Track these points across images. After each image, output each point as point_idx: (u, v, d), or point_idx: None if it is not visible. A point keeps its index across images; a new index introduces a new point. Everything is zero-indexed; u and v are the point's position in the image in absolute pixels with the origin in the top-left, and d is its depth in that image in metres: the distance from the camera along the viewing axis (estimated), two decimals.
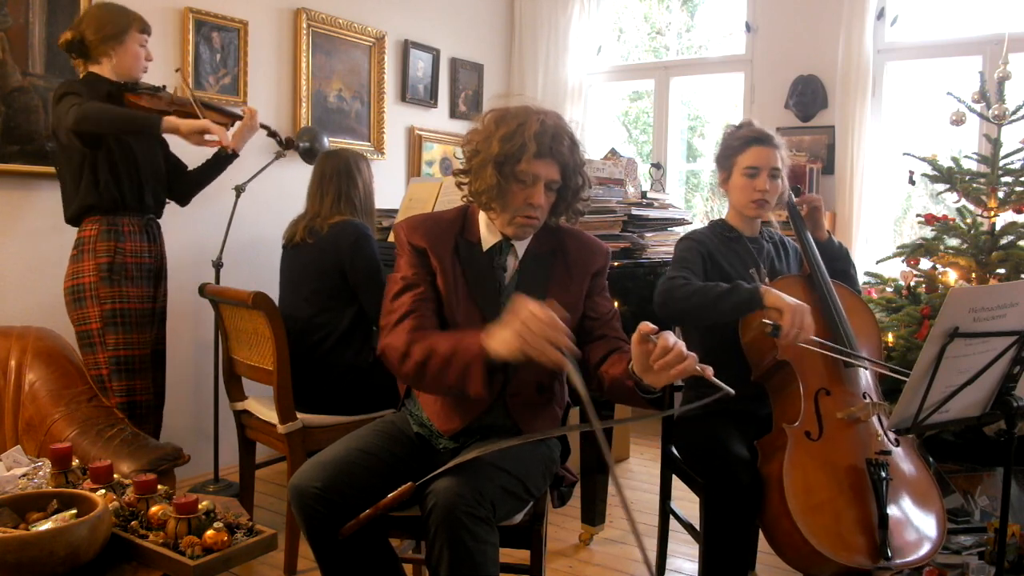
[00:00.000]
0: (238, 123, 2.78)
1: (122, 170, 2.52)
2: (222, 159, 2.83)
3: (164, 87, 2.69)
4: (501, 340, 1.48)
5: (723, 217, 2.30)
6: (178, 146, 2.70)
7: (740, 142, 2.20)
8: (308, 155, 3.42)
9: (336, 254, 2.61)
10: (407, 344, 1.63)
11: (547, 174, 1.70)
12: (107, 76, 2.52)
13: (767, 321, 1.89)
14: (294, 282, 2.73)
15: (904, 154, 2.97)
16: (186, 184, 2.84)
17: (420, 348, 1.61)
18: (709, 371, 1.47)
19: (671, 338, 1.46)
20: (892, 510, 1.77)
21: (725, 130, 2.31)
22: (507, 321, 1.47)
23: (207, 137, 2.50)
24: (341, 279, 2.62)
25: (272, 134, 3.05)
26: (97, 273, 2.49)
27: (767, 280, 2.17)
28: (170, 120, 2.43)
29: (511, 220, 1.73)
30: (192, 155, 2.83)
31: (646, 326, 1.47)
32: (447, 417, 1.77)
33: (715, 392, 1.48)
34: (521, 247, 1.80)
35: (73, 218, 2.56)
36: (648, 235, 3.08)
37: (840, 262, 2.28)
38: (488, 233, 1.79)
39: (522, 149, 1.66)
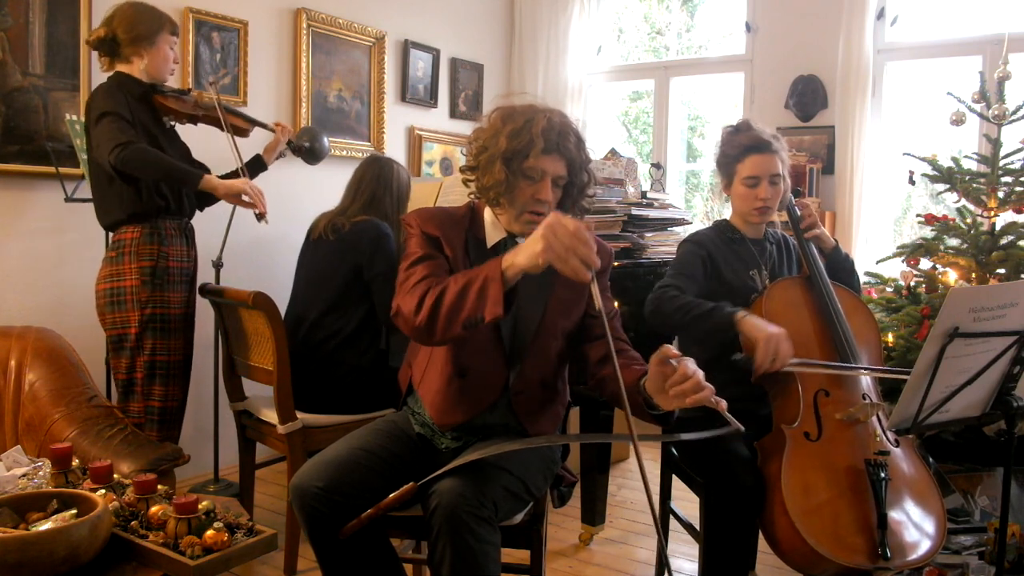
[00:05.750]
0: (273, 138, 2.86)
1: None
2: (257, 168, 2.88)
3: (190, 90, 2.71)
4: (526, 249, 1.44)
5: (727, 218, 2.29)
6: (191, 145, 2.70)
7: (738, 150, 2.17)
8: (308, 155, 3.42)
9: (354, 252, 2.61)
10: (420, 296, 1.59)
11: (554, 170, 1.71)
12: (136, 76, 2.51)
13: (739, 356, 1.90)
14: (309, 278, 2.73)
15: (904, 154, 2.97)
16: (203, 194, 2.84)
17: (433, 292, 1.56)
18: (723, 405, 1.47)
19: (691, 366, 1.45)
20: (891, 510, 1.77)
21: (723, 132, 2.26)
22: (535, 233, 1.44)
23: (244, 198, 2.53)
24: (355, 278, 2.62)
25: (291, 146, 3.07)
26: (139, 276, 2.47)
27: (767, 282, 2.17)
28: (209, 180, 2.47)
29: (518, 217, 1.73)
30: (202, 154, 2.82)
31: (669, 350, 1.46)
32: (447, 411, 1.76)
33: (725, 425, 1.47)
34: None
35: (112, 224, 2.54)
36: (648, 235, 3.08)
37: (843, 273, 2.26)
38: (493, 230, 1.79)
39: (530, 145, 1.66)
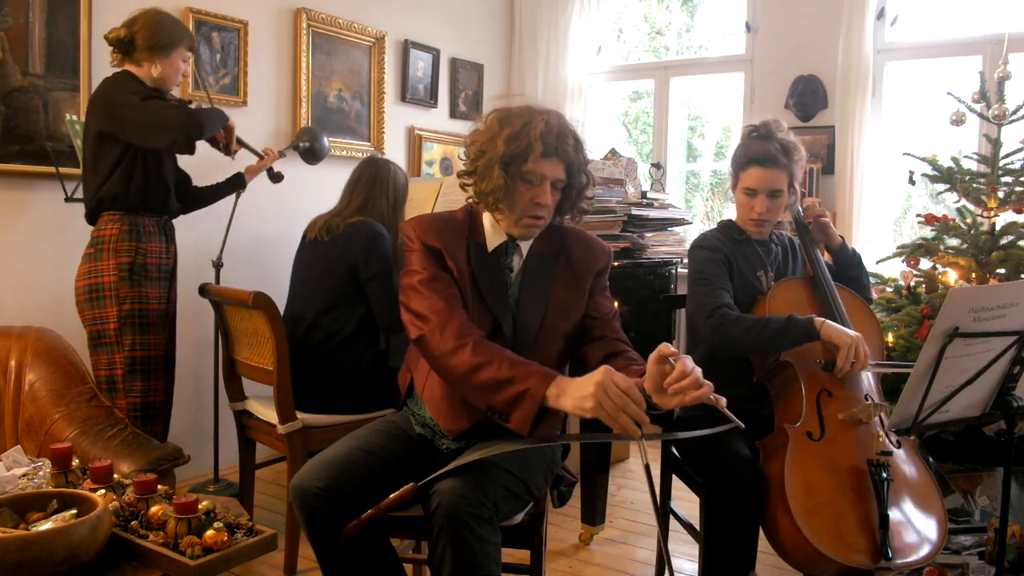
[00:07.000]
0: (258, 161, 3.03)
1: (152, 171, 2.56)
2: (236, 184, 2.99)
3: (190, 101, 2.77)
4: (574, 397, 1.44)
5: (731, 219, 2.27)
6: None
7: (744, 159, 2.14)
8: (308, 155, 3.42)
9: (349, 253, 2.61)
10: (457, 338, 1.58)
11: (553, 173, 1.70)
12: (143, 79, 2.54)
13: (820, 360, 1.91)
14: (305, 280, 2.73)
15: (904, 154, 2.97)
16: (189, 196, 2.86)
17: (474, 353, 1.55)
18: (723, 402, 1.46)
19: (689, 363, 1.43)
20: (893, 511, 1.77)
21: (743, 130, 2.23)
22: (584, 381, 1.44)
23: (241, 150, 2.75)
24: (351, 279, 2.61)
25: (270, 173, 3.19)
26: (118, 272, 2.50)
27: (772, 283, 2.17)
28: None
29: (518, 221, 1.73)
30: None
31: (667, 348, 1.44)
32: (453, 417, 1.76)
33: (725, 423, 1.46)
34: (525, 247, 1.80)
35: (94, 207, 2.55)
36: (648, 235, 3.09)
37: (852, 268, 2.27)
38: (493, 234, 1.79)
39: (528, 149, 1.66)
